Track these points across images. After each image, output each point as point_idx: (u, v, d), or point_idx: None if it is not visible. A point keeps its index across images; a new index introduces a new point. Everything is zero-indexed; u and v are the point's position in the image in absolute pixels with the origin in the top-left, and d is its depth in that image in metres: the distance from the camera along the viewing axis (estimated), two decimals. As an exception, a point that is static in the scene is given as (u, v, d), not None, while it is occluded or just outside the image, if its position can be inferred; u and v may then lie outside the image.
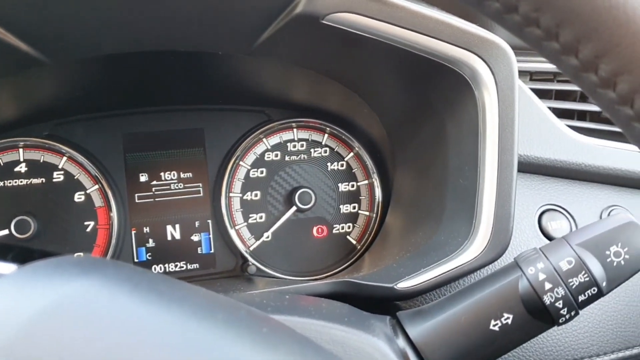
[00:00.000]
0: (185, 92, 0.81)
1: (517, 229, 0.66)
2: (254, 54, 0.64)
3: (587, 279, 0.47)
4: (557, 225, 0.67)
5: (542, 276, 0.48)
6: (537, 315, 0.48)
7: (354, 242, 0.86)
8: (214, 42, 0.63)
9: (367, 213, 0.86)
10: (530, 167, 0.71)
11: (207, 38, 0.61)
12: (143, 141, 0.81)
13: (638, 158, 0.73)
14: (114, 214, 0.79)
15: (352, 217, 0.86)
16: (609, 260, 0.48)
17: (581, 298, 0.48)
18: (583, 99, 0.80)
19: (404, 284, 0.60)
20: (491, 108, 0.58)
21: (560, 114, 0.78)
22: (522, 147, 0.70)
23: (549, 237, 0.67)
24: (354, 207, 0.86)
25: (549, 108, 0.76)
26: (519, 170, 0.70)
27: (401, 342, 0.50)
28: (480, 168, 0.59)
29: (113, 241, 0.79)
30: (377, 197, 0.86)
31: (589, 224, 0.50)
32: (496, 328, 0.49)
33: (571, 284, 0.47)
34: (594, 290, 0.48)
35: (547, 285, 0.47)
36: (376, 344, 0.47)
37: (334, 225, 0.85)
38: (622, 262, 0.48)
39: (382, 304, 0.63)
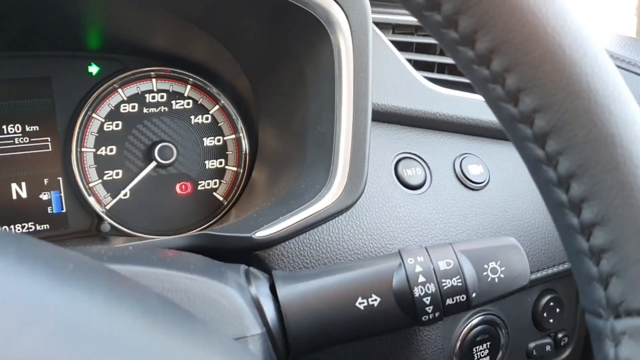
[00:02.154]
0: (29, 38, 0.73)
1: (374, 176, 0.67)
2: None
3: (460, 284, 0.48)
4: (412, 172, 0.69)
5: (418, 268, 0.48)
6: (403, 305, 0.48)
7: (221, 198, 0.83)
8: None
9: (235, 168, 0.84)
10: (388, 117, 0.72)
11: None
12: (-21, 90, 0.72)
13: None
14: (-54, 171, 0.70)
15: (219, 173, 0.83)
16: (484, 274, 0.49)
17: (448, 302, 0.49)
18: (442, 52, 0.83)
19: (262, 233, 0.58)
20: (346, 52, 0.58)
21: (423, 66, 0.80)
22: (380, 97, 0.71)
23: (405, 184, 0.69)
24: (221, 163, 0.83)
25: (410, 60, 0.77)
26: (377, 120, 0.72)
27: (253, 290, 0.49)
28: (337, 114, 0.59)
29: (-53, 202, 0.71)
30: (244, 152, 0.83)
31: (479, 239, 0.52)
32: (361, 307, 0.48)
33: (443, 284, 0.48)
34: (462, 297, 0.49)
35: (421, 279, 0.48)
36: (225, 291, 0.45)
37: (199, 182, 0.82)
38: (496, 280, 0.50)
39: (242, 256, 0.62)
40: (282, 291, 0.49)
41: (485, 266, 0.49)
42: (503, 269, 0.49)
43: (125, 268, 0.42)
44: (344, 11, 0.57)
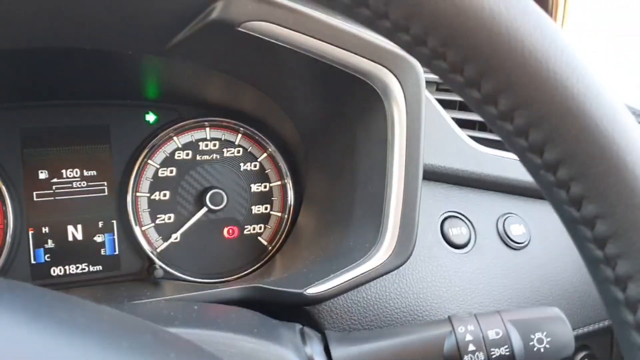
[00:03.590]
0: (90, 87, 0.77)
1: (421, 234, 0.69)
2: (166, 55, 0.63)
3: (508, 353, 0.51)
4: (458, 232, 0.71)
5: (469, 337, 0.51)
6: None
7: (265, 243, 0.86)
8: (124, 43, 0.60)
9: (279, 214, 0.86)
10: (434, 176, 0.74)
11: (116, 38, 0.58)
12: (43, 137, 0.77)
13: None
14: (10, 213, 0.74)
15: (264, 218, 0.86)
16: (531, 344, 0.52)
17: None
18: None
19: (313, 290, 0.61)
20: (399, 120, 0.60)
21: (463, 124, 0.82)
22: (427, 156, 0.74)
23: (450, 243, 0.71)
24: (266, 208, 0.86)
25: (453, 118, 0.80)
26: (424, 178, 0.74)
27: (309, 350, 0.51)
28: (387, 177, 0.62)
29: (8, 241, 0.75)
30: (289, 199, 0.86)
31: (525, 308, 0.54)
32: None
33: (492, 353, 0.51)
34: None
35: (471, 347, 0.51)
36: (284, 355, 0.48)
37: (245, 226, 0.85)
38: (542, 350, 0.52)
39: (292, 309, 0.64)
40: (336, 352, 0.52)
41: (532, 336, 0.51)
42: (549, 339, 0.51)
43: (196, 332, 0.45)
44: (399, 82, 0.60)
